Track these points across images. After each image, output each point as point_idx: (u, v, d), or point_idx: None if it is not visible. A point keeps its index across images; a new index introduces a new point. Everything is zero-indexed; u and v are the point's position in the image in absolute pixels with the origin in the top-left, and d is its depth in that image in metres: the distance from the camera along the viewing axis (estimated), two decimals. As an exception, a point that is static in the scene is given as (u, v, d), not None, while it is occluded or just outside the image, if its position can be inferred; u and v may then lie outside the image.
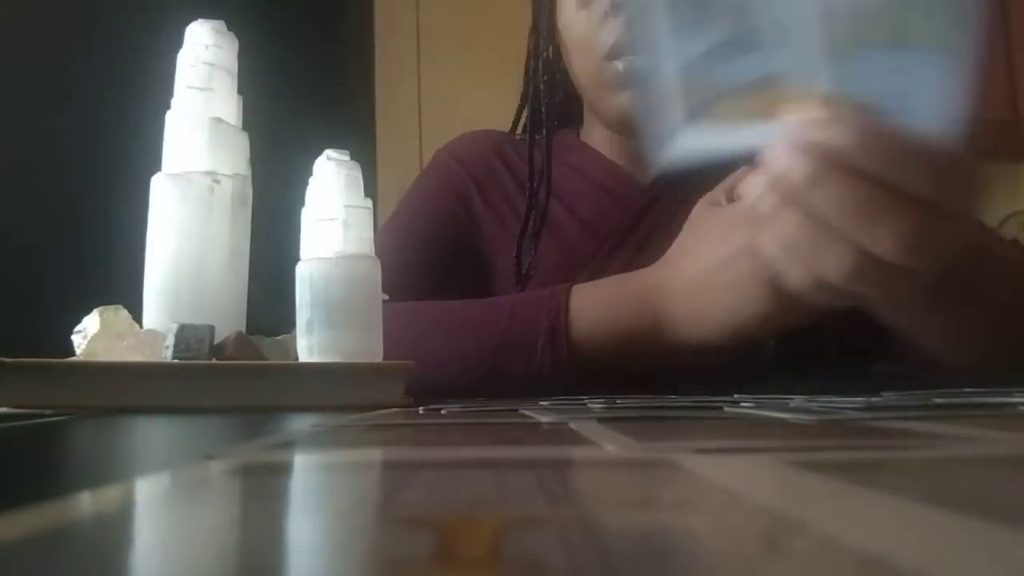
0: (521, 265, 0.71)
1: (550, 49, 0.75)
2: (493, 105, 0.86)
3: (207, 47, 0.47)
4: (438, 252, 0.73)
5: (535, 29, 0.76)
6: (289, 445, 0.24)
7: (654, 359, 0.56)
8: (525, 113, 0.81)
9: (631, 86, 0.66)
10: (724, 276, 0.53)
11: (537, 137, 0.75)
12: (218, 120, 0.47)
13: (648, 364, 0.56)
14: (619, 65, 0.66)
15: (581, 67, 0.70)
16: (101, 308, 0.43)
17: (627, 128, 0.70)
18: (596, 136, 0.78)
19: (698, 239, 0.56)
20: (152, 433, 0.30)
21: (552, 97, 0.74)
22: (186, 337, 0.41)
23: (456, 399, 0.45)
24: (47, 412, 0.37)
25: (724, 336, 0.54)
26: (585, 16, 0.68)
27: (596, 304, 0.57)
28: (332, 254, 0.48)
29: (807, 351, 0.59)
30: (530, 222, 0.72)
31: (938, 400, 0.34)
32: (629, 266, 0.70)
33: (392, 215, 0.79)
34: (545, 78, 0.74)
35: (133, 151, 0.64)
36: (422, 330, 0.59)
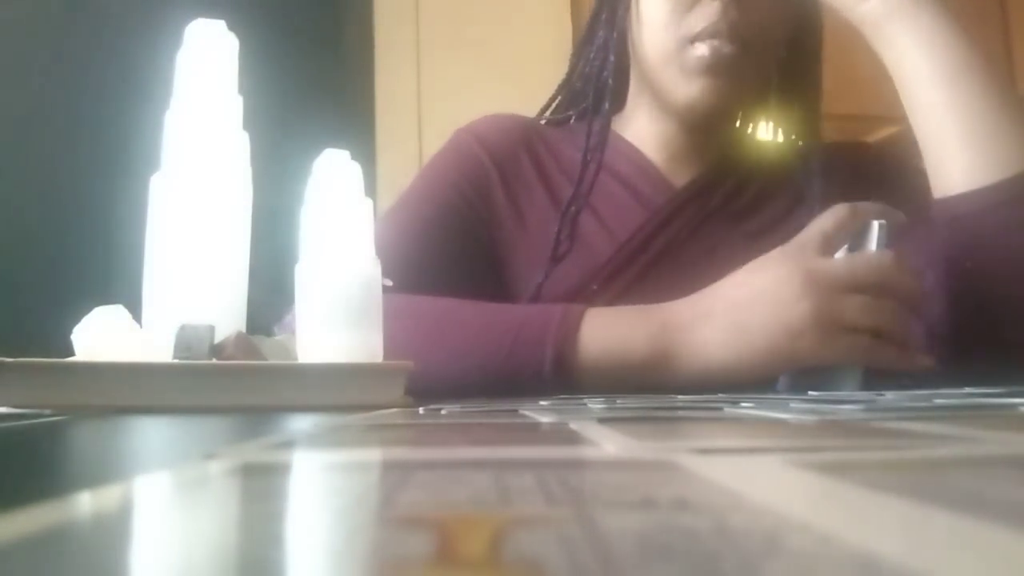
0: (559, 240, 0.68)
1: (623, 25, 0.71)
2: (493, 105, 0.85)
3: (207, 47, 0.47)
4: (447, 238, 0.70)
5: (609, 3, 0.72)
6: (289, 445, 0.24)
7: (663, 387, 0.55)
8: (559, 99, 0.77)
9: (711, 73, 0.65)
10: (754, 310, 0.53)
11: (595, 116, 0.71)
12: (218, 120, 0.47)
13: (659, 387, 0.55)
14: (703, 49, 0.64)
15: (657, 47, 0.67)
16: (101, 308, 0.43)
17: (694, 113, 0.68)
18: (637, 125, 0.75)
19: (724, 280, 0.56)
20: (152, 433, 0.30)
21: (617, 74, 0.72)
22: (186, 337, 0.41)
23: (456, 399, 0.45)
24: (47, 412, 0.37)
25: (756, 369, 0.53)
26: None
27: (609, 334, 0.55)
28: (332, 254, 0.48)
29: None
30: (570, 208, 0.68)
31: (938, 400, 0.34)
32: (645, 274, 0.68)
33: (402, 195, 0.74)
34: (617, 50, 0.71)
35: (133, 151, 0.64)
36: (424, 331, 0.57)
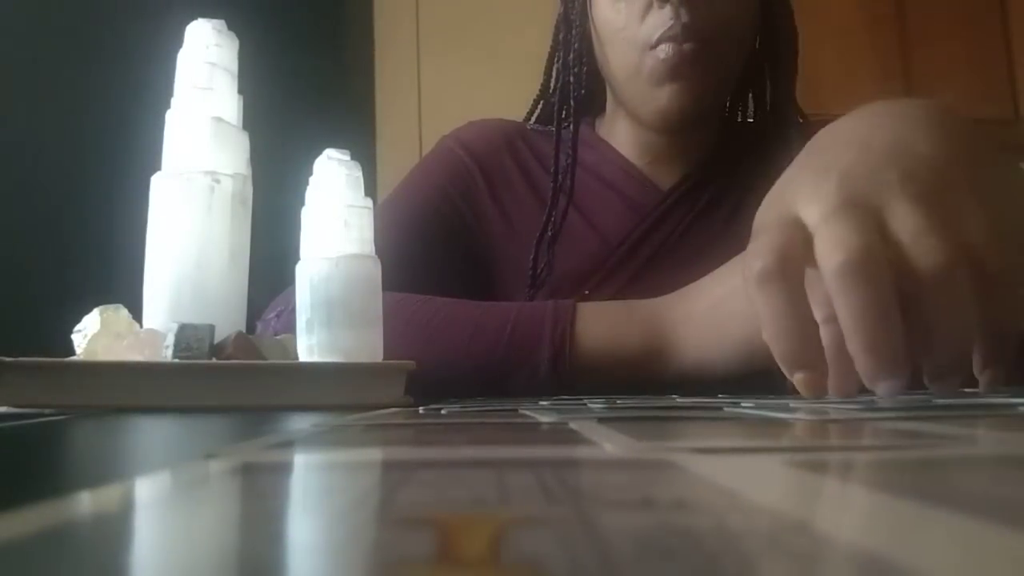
0: (536, 269, 0.69)
1: (580, 41, 0.72)
2: (493, 104, 0.85)
3: (207, 46, 0.47)
4: (433, 242, 0.70)
5: (565, 19, 0.73)
6: (289, 445, 0.24)
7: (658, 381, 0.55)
8: (541, 105, 0.79)
9: (676, 74, 0.64)
10: (732, 304, 0.53)
11: (564, 127, 0.72)
12: (218, 120, 0.47)
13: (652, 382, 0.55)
14: (661, 53, 0.64)
15: (619, 60, 0.67)
16: (101, 308, 0.43)
17: (663, 122, 0.68)
18: (618, 131, 0.75)
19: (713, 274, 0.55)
20: (152, 433, 0.30)
21: (579, 92, 0.72)
22: (186, 337, 0.41)
23: (456, 399, 0.45)
24: (47, 412, 0.37)
25: (731, 364, 0.53)
26: (625, 6, 0.65)
27: (602, 328, 0.55)
28: (332, 254, 0.48)
29: None
30: (550, 225, 0.69)
31: (938, 400, 0.34)
32: (637, 277, 0.69)
33: (386, 198, 0.75)
34: (575, 71, 0.72)
35: (133, 151, 0.64)
36: (416, 330, 0.57)
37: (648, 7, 0.64)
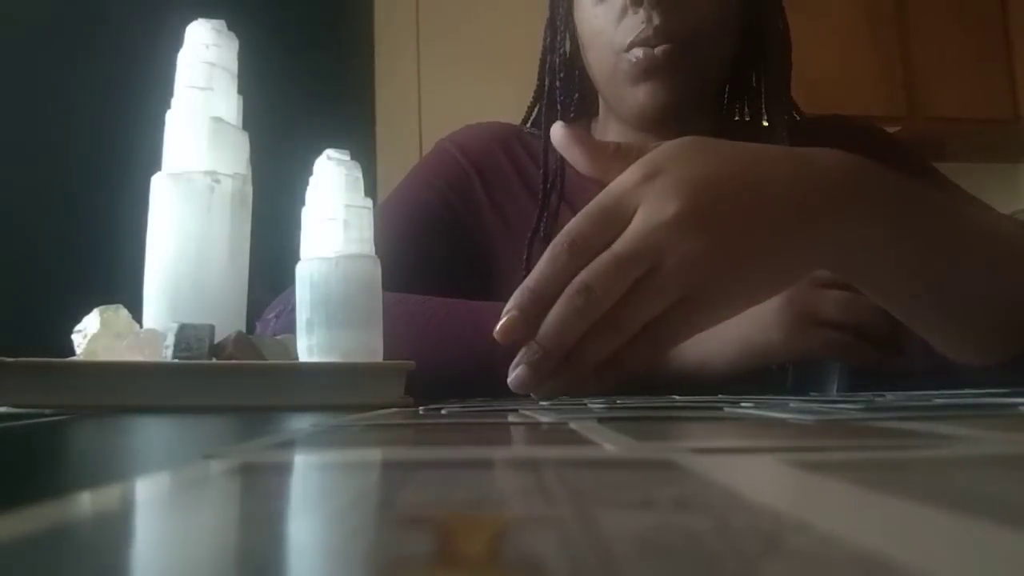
0: (530, 269, 0.69)
1: (567, 44, 0.73)
2: (493, 104, 0.85)
3: (207, 47, 0.47)
4: (430, 243, 0.71)
5: (552, 24, 0.74)
6: (289, 445, 0.24)
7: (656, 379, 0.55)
8: (537, 108, 0.80)
9: (650, 76, 0.65)
10: None
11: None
12: (218, 120, 0.47)
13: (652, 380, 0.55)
14: (637, 54, 0.64)
15: (598, 61, 0.69)
16: (101, 308, 0.43)
17: (646, 123, 0.68)
18: (610, 132, 0.76)
19: None
20: (152, 433, 0.30)
21: (568, 94, 0.73)
22: (186, 337, 0.41)
23: (456, 399, 0.45)
24: (47, 412, 0.37)
25: (730, 362, 0.53)
26: (603, 10, 0.66)
27: None
28: (332, 254, 0.48)
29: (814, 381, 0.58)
30: (541, 225, 0.70)
31: (938, 400, 0.34)
32: None
33: (384, 200, 0.76)
34: (562, 75, 0.73)
35: (133, 151, 0.64)
36: (416, 330, 0.57)
37: (624, 10, 0.65)
